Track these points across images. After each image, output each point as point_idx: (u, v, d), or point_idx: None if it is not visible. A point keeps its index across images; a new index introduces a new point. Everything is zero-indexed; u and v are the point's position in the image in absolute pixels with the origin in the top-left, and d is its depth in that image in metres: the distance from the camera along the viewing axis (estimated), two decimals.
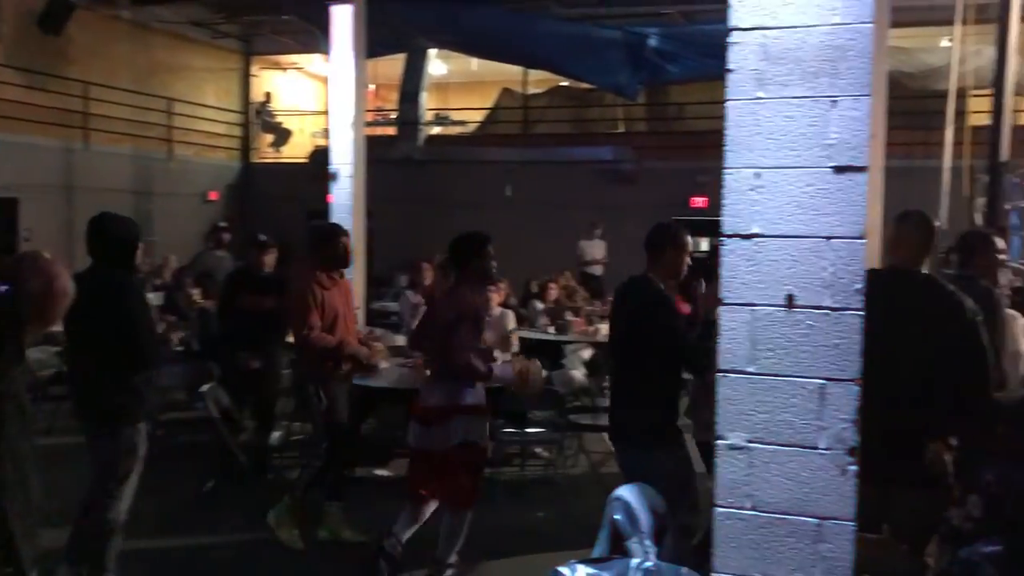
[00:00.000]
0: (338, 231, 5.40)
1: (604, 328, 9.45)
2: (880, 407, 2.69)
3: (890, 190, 6.59)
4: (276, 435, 6.45)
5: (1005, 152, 6.46)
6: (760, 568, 2.36)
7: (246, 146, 18.12)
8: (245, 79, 18.45)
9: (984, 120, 8.11)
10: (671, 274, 4.06)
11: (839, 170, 2.27)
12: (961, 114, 7.69)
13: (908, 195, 8.96)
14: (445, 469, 4.50)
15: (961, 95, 7.73)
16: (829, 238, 2.29)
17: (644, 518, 3.05)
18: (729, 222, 2.39)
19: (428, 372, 5.13)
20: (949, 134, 7.43)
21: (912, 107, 11.44)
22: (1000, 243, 4.22)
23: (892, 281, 3.36)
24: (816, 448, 2.31)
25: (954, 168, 7.45)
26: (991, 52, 7.76)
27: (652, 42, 12.74)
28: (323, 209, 8.32)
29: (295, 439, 6.97)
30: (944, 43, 10.87)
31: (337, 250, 5.27)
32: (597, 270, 13.47)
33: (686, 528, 3.53)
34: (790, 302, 2.32)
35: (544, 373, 4.77)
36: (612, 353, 4.34)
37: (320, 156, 11.95)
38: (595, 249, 13.53)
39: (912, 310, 3.29)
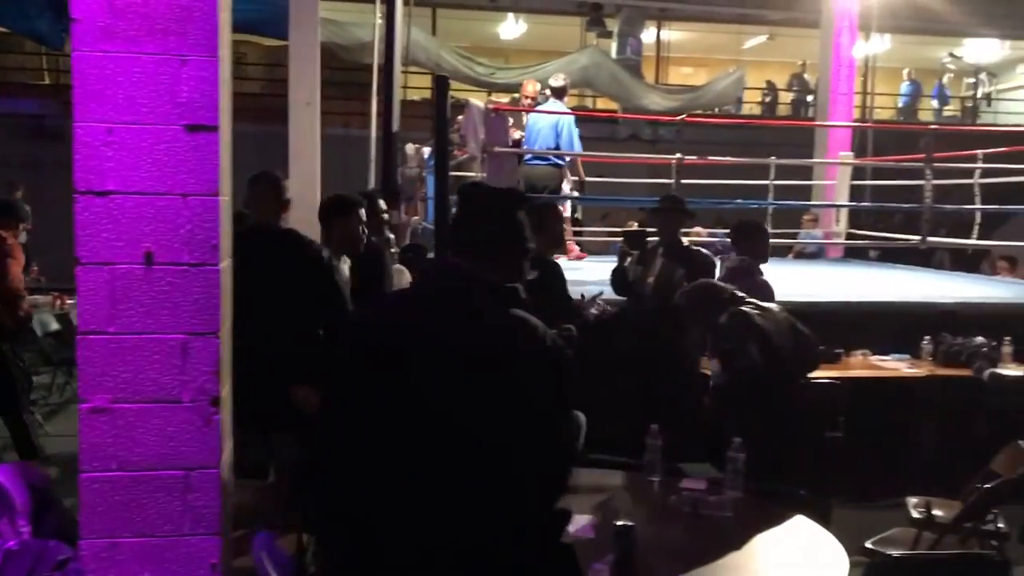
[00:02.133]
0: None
1: (44, 300, 8.50)
2: (252, 356, 2.84)
3: (330, 157, 6.94)
4: None
5: (396, 124, 7.19)
6: (130, 528, 2.35)
7: None
8: None
9: (403, 94, 8.89)
10: None
11: (191, 129, 2.31)
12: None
13: (346, 162, 9.45)
14: None
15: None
16: (185, 195, 2.33)
17: (19, 497, 2.85)
18: (82, 178, 2.31)
19: None
20: (375, 106, 7.99)
21: (348, 79, 12.11)
22: (382, 204, 4.68)
23: (254, 237, 3.51)
24: (181, 402, 2.35)
25: (381, 138, 8.03)
26: (409, 32, 8.50)
27: None
28: None
29: None
30: (378, 20, 11.61)
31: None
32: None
33: None
34: (149, 259, 2.32)
35: None
36: None
37: None
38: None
39: (273, 262, 3.50)
